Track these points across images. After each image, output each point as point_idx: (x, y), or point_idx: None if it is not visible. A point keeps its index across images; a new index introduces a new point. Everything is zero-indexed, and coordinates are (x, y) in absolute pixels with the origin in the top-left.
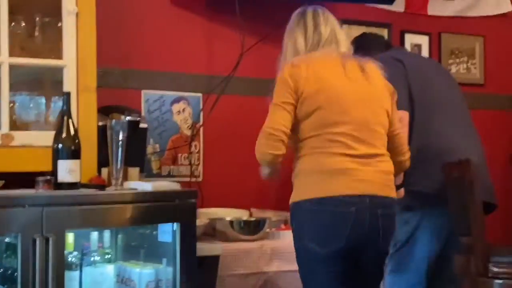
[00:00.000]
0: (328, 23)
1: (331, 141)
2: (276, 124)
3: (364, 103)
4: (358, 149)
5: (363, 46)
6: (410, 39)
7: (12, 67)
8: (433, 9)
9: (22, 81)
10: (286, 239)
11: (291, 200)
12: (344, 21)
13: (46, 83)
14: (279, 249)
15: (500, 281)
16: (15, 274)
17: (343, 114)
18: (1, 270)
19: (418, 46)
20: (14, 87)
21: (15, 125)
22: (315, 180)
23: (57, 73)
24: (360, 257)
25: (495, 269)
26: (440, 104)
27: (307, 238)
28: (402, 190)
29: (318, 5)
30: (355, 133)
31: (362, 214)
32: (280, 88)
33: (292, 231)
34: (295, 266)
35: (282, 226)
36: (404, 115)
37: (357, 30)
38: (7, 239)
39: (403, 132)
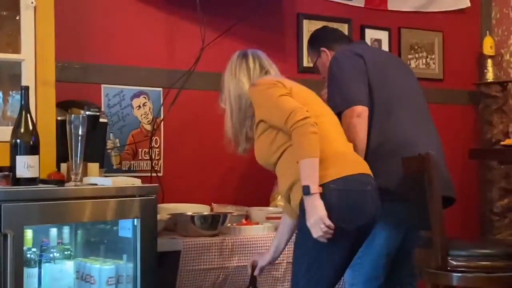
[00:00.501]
0: (273, 66)
1: (325, 129)
2: (296, 104)
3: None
4: (341, 136)
5: (323, 39)
6: (370, 34)
7: None
8: (392, 4)
9: None
10: (247, 234)
11: None
12: (304, 16)
13: (3, 77)
14: (240, 244)
15: (459, 274)
16: None
17: (321, 109)
18: None
19: (378, 41)
20: None
21: None
22: (331, 164)
23: (15, 67)
24: (365, 238)
25: (454, 263)
26: (399, 99)
27: (335, 216)
28: None
29: (257, 49)
30: (335, 123)
31: (373, 192)
32: (274, 87)
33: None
34: None
35: (243, 221)
36: (363, 110)
37: (317, 25)
38: None
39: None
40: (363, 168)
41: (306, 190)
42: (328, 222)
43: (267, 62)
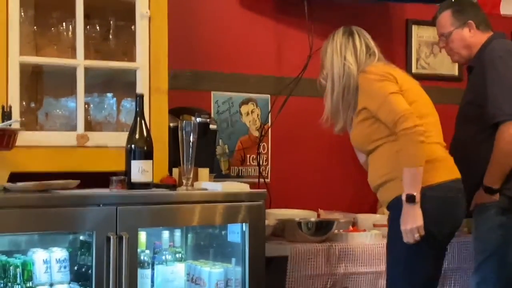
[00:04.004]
0: (376, 47)
1: (427, 131)
2: (406, 106)
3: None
4: (441, 139)
5: (474, 13)
6: None
7: (86, 70)
8: (505, 9)
9: (94, 83)
10: (354, 241)
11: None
12: (413, 21)
13: (118, 85)
14: (347, 251)
15: None
16: (90, 271)
17: (427, 108)
18: (76, 267)
19: None
20: (87, 89)
21: (89, 126)
22: (429, 168)
23: (129, 75)
24: (447, 243)
25: None
26: None
27: (428, 221)
28: (497, 194)
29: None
30: (437, 125)
31: (463, 198)
32: (386, 81)
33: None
34: (362, 268)
35: (350, 228)
36: None
37: (427, 31)
38: (82, 237)
39: None
40: (456, 173)
41: (411, 199)
42: (422, 233)
43: (372, 42)
